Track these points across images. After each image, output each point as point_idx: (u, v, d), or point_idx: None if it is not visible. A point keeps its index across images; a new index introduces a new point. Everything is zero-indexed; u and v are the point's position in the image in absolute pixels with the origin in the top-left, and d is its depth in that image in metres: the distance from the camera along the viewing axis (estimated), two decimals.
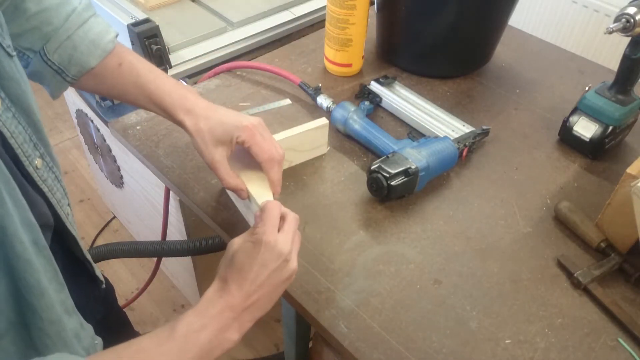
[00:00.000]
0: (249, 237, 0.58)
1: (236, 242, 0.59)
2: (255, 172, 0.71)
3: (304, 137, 0.83)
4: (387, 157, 0.78)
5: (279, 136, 0.81)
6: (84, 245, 0.64)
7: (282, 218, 0.61)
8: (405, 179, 0.77)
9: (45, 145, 0.54)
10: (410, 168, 0.77)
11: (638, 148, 0.93)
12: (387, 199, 0.79)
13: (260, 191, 0.69)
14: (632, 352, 0.64)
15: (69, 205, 0.59)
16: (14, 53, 0.49)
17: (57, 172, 0.56)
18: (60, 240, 0.60)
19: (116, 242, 1.19)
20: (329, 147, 0.89)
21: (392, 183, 0.76)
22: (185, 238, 1.27)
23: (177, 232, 1.30)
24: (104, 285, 0.73)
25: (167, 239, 1.39)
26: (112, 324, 0.90)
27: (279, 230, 0.59)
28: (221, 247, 1.09)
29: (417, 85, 1.04)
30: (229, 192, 0.80)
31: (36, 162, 0.52)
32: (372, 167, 0.78)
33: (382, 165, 0.77)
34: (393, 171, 0.76)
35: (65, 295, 0.51)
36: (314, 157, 0.87)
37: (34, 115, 0.51)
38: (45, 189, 0.54)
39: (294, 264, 0.59)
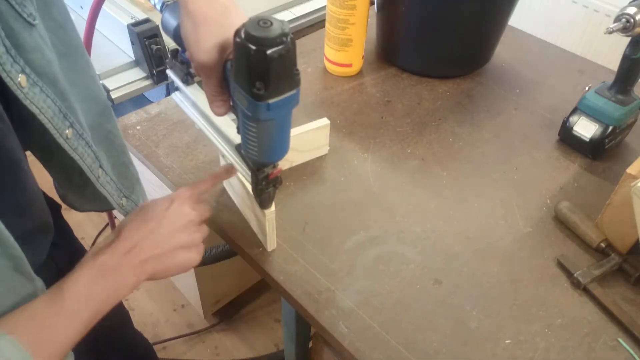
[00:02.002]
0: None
1: None
2: None
3: (305, 138, 0.83)
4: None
5: None
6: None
7: None
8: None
9: (74, 112, 0.53)
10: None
11: (638, 148, 0.93)
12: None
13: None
14: (632, 352, 0.64)
15: (101, 167, 0.59)
16: (36, 22, 0.47)
17: (87, 137, 0.56)
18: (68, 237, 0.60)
19: None
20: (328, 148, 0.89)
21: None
22: None
23: None
24: None
25: None
26: (113, 318, 0.90)
27: None
28: (228, 254, 1.08)
29: (417, 85, 1.04)
30: (229, 191, 0.80)
31: (67, 132, 0.52)
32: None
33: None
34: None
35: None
36: (314, 157, 0.87)
37: (60, 83, 0.51)
38: (76, 157, 0.54)
39: (189, 211, 0.59)
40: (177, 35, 0.59)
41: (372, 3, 1.01)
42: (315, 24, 1.31)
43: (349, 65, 1.05)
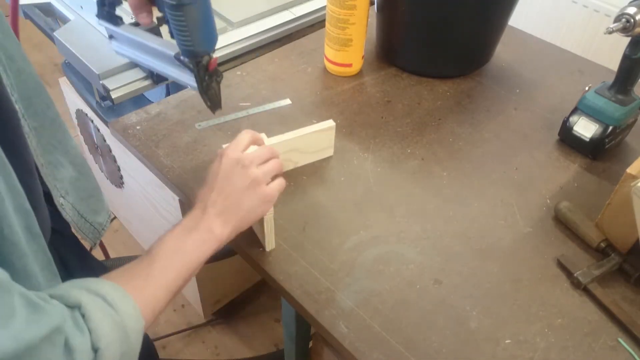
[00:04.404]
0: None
1: None
2: None
3: (310, 139, 0.83)
4: None
5: (284, 137, 0.80)
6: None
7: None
8: None
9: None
10: None
11: (638, 148, 0.93)
12: None
13: None
14: (632, 352, 0.64)
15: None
16: None
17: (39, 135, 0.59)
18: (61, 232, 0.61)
19: (118, 258, 1.20)
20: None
21: None
22: None
23: None
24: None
25: None
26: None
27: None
28: (228, 254, 1.08)
29: (417, 85, 1.04)
30: None
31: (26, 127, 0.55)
32: None
33: None
34: None
35: (56, 284, 0.52)
36: (319, 159, 0.87)
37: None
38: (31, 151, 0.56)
39: (254, 172, 0.65)
40: None
41: (372, 3, 1.01)
42: (315, 24, 1.31)
43: (349, 65, 1.05)
